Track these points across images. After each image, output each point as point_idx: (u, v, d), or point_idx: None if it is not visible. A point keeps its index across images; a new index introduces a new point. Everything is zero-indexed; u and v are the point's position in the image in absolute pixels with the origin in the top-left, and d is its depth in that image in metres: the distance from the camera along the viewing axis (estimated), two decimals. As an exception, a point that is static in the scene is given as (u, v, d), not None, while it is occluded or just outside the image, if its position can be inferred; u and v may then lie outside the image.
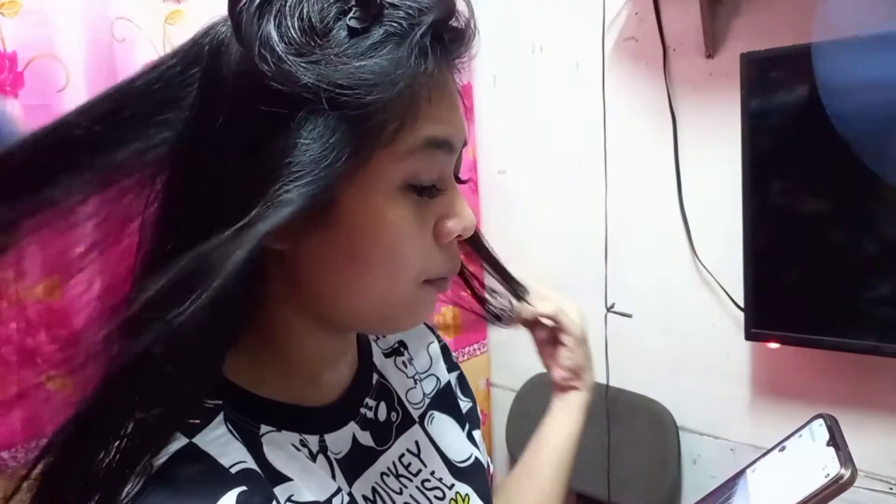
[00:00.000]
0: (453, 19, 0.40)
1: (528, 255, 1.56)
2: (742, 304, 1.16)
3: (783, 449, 0.52)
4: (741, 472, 0.54)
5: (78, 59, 1.01)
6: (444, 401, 0.59)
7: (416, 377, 0.58)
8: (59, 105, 1.01)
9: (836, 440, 0.46)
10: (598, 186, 1.39)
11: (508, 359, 1.65)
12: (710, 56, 1.23)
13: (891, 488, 1.11)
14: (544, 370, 0.68)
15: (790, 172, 1.09)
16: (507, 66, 1.54)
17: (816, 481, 0.42)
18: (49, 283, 0.91)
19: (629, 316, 1.36)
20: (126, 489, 0.34)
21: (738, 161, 1.12)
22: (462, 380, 0.63)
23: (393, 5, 0.37)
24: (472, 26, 0.41)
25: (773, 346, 1.14)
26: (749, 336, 1.15)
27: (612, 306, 1.38)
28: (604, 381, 1.38)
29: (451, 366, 0.62)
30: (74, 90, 1.01)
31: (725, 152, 1.18)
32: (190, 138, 0.38)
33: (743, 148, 1.11)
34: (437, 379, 0.60)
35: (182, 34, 1.04)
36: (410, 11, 0.37)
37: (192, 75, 0.38)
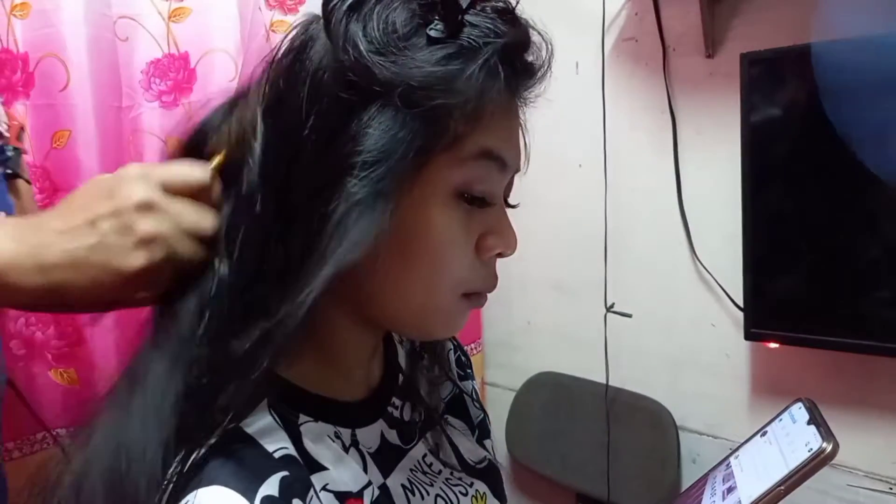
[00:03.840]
0: (528, 52, 0.43)
1: (528, 255, 1.56)
2: (742, 304, 1.16)
3: (764, 434, 0.52)
4: (725, 461, 0.54)
5: (81, 59, 1.01)
6: (457, 407, 0.60)
7: (435, 381, 0.59)
8: (63, 104, 1.01)
9: (816, 418, 0.47)
10: (598, 186, 1.39)
11: (508, 358, 1.64)
12: (709, 56, 1.23)
13: (891, 488, 1.11)
14: (543, 370, 0.68)
15: (790, 172, 1.09)
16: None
17: (800, 456, 0.43)
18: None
19: (629, 316, 1.36)
20: (177, 464, 0.37)
21: (738, 161, 1.12)
22: (475, 391, 0.64)
23: (472, 24, 0.40)
24: (546, 66, 0.45)
25: (773, 346, 1.15)
26: (749, 336, 1.15)
27: (612, 306, 1.38)
28: (603, 381, 1.39)
29: (467, 376, 0.64)
30: (76, 89, 1.01)
31: (725, 152, 1.18)
32: (269, 126, 0.40)
33: (743, 148, 1.11)
34: (453, 385, 0.61)
35: (186, 31, 1.04)
36: (487, 32, 0.40)
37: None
